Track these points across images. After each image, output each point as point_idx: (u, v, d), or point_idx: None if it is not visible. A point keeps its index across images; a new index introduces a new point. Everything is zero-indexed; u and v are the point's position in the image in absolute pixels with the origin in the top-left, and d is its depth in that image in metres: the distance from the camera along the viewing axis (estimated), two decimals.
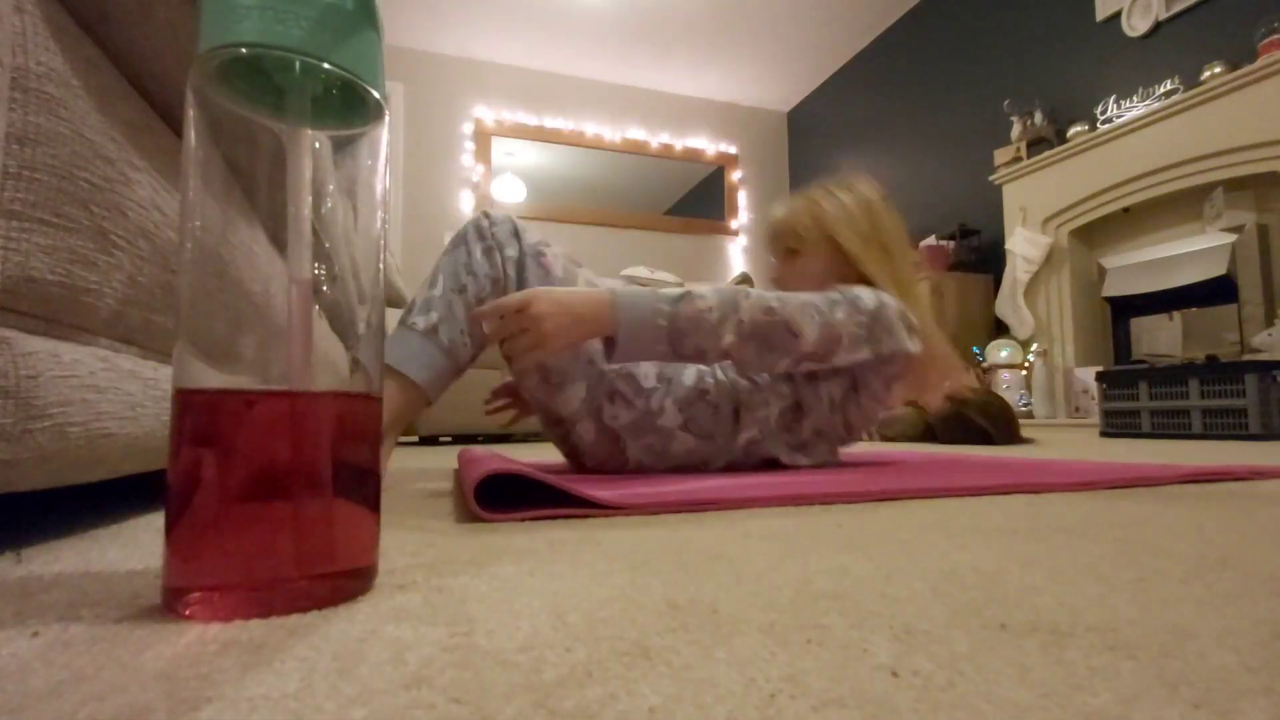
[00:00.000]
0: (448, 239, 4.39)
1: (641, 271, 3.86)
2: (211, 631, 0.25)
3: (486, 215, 0.93)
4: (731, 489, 0.66)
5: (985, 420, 1.78)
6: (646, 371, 0.87)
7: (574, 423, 0.86)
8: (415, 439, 2.69)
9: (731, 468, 0.93)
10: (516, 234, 0.91)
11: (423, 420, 2.32)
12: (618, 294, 0.74)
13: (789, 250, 1.01)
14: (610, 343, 0.74)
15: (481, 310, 0.72)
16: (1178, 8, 2.58)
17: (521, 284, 0.89)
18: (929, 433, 1.95)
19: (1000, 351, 3.08)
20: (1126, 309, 2.88)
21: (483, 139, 4.43)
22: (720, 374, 0.91)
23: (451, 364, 0.83)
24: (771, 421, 0.92)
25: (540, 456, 1.44)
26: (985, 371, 3.11)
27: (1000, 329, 3.27)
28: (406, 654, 0.23)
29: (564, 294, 0.72)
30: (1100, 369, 2.45)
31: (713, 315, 0.75)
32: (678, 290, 0.76)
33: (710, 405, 0.89)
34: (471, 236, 0.90)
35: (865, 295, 0.85)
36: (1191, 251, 2.50)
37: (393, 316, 4.13)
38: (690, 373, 0.90)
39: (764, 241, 1.06)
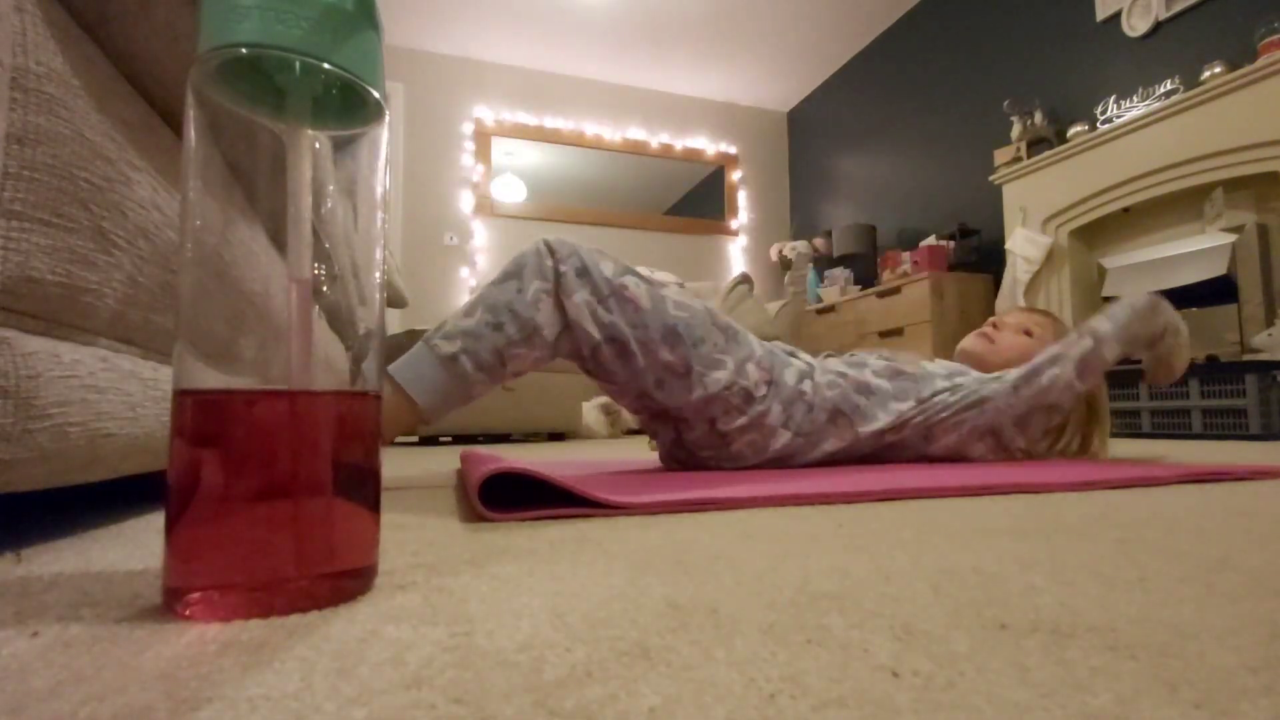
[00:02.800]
0: (448, 239, 4.36)
1: (642, 271, 3.86)
2: (211, 631, 0.25)
3: (550, 249, 0.83)
4: (731, 489, 0.66)
5: None
6: (757, 381, 0.89)
7: (689, 422, 0.89)
8: (415, 439, 2.69)
9: (824, 463, 0.98)
10: (587, 272, 0.84)
11: None
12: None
13: (1026, 331, 1.18)
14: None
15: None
16: (1178, 8, 2.58)
17: (606, 328, 0.83)
18: None
19: None
20: None
21: (483, 139, 4.43)
22: (819, 381, 0.95)
23: (460, 393, 0.82)
24: (884, 433, 0.97)
25: (540, 458, 1.44)
26: None
27: None
28: (406, 654, 0.23)
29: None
30: None
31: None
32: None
33: (806, 405, 0.93)
34: (529, 273, 0.82)
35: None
36: (1191, 251, 2.50)
37: (392, 316, 4.07)
38: (791, 373, 0.93)
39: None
